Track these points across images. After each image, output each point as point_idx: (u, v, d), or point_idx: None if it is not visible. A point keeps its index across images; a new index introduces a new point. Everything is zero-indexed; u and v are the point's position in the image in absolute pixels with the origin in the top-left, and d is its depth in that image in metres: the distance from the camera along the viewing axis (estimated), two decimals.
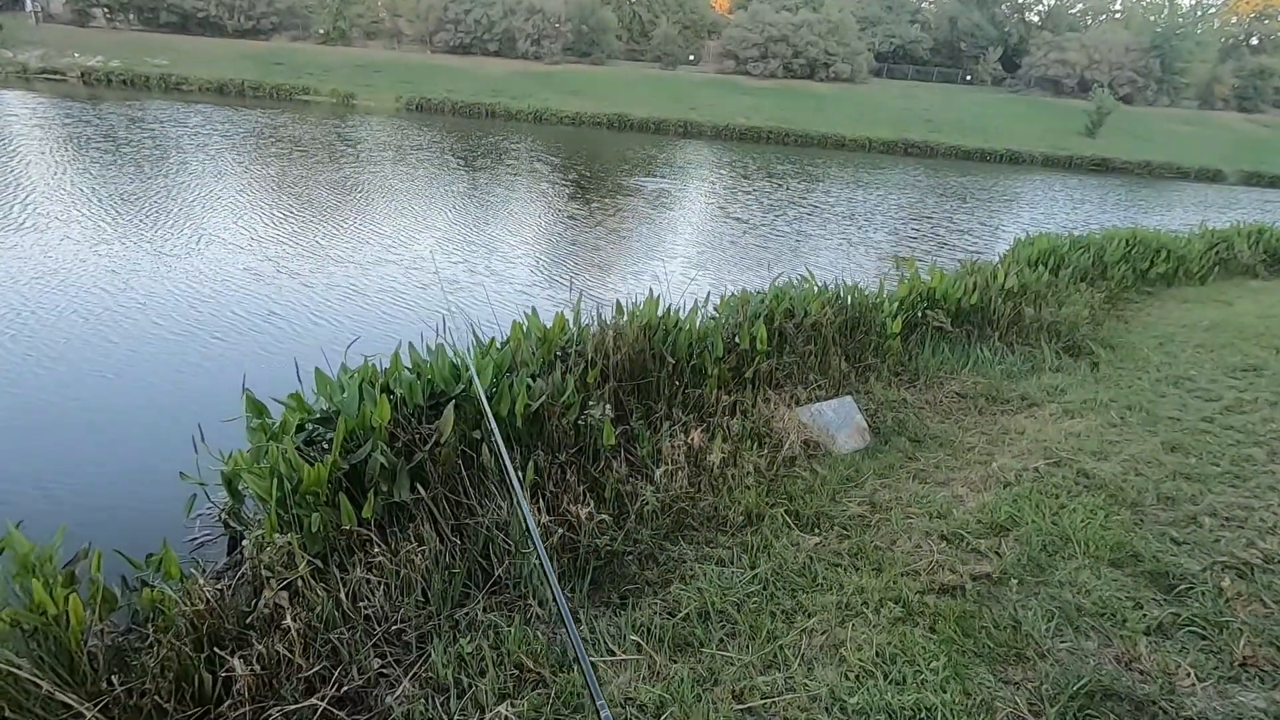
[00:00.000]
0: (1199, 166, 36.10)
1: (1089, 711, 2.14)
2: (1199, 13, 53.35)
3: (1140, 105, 48.50)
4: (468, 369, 3.16)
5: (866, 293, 5.59)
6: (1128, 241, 9.08)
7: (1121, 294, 8.21)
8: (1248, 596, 2.65)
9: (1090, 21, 58.46)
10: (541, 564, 1.92)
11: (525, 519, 2.20)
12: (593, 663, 2.44)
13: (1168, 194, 27.41)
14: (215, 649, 2.25)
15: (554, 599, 1.98)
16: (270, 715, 2.15)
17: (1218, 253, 10.34)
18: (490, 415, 2.78)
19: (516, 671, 2.38)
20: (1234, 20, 58.78)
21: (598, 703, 1.50)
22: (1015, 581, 2.79)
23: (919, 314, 5.86)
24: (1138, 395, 4.93)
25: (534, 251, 10.19)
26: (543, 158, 21.14)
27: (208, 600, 2.31)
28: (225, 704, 2.16)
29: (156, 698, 2.11)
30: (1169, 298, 8.57)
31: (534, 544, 2.03)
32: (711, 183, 19.50)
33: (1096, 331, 6.61)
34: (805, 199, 17.37)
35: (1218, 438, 4.18)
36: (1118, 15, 59.00)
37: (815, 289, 5.39)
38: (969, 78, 53.37)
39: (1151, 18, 53.11)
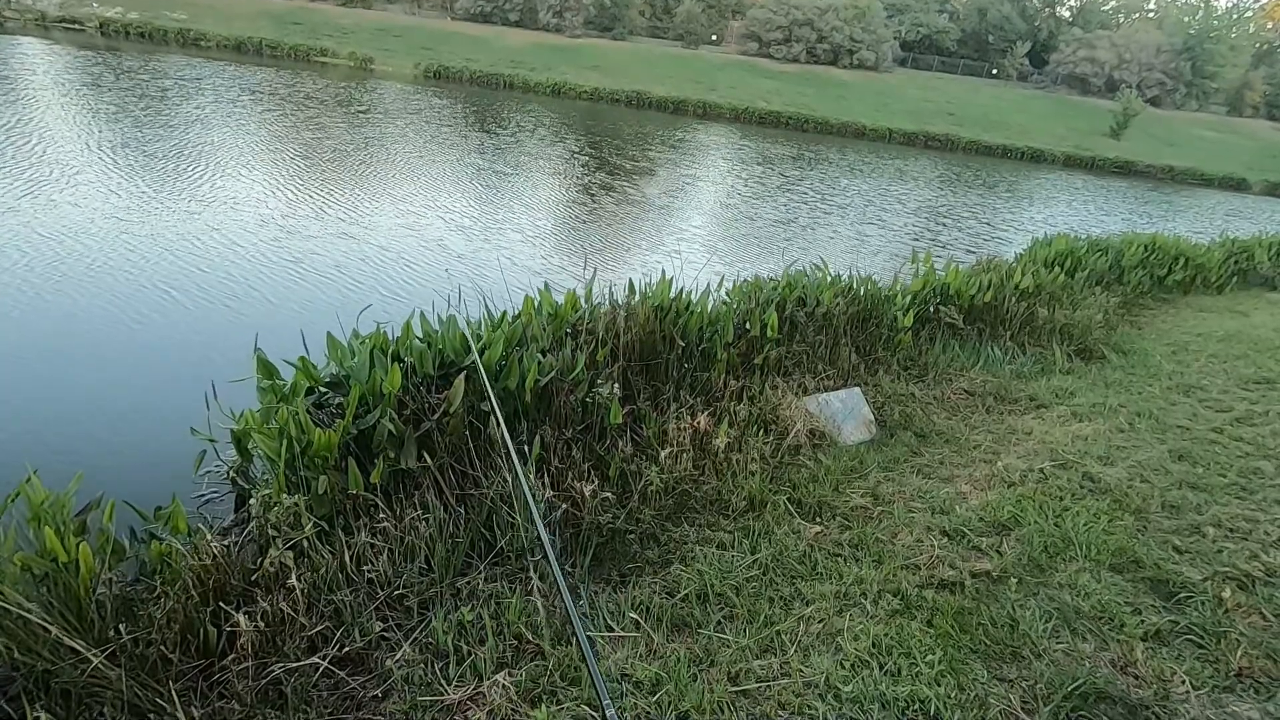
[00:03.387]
0: (1223, 174, 35.59)
1: (1082, 713, 2.16)
2: (1234, 16, 52.17)
3: (1168, 108, 47.72)
4: (480, 339, 3.16)
5: (879, 285, 5.55)
6: (1146, 247, 8.98)
7: (1137, 299, 8.14)
8: (1247, 608, 2.65)
9: (1122, 20, 57.30)
10: (544, 545, 1.92)
11: (527, 495, 2.21)
12: (589, 637, 2.47)
13: (1179, 200, 26.94)
14: (220, 604, 2.28)
15: (555, 576, 2.01)
16: (273, 671, 2.18)
17: (1237, 263, 10.23)
18: (490, 391, 2.78)
19: (515, 642, 2.40)
20: (1270, 25, 57.53)
21: (605, 709, 1.49)
22: (1015, 581, 2.79)
23: (931, 309, 5.82)
24: (1148, 402, 4.91)
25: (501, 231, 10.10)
26: (540, 134, 20.84)
27: (214, 556, 2.34)
28: (229, 658, 2.19)
29: (162, 648, 2.14)
30: (1185, 306, 8.49)
31: (536, 523, 2.04)
32: (726, 174, 19.16)
33: (1109, 336, 6.56)
34: (799, 185, 17.10)
35: (1226, 449, 4.16)
36: (1151, 15, 57.81)
37: (828, 278, 5.35)
38: (995, 71, 52.50)
39: (1186, 19, 52.01)
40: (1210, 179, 35.21)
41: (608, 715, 1.48)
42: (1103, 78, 48.58)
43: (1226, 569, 2.90)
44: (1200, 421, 4.60)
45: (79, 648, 2.02)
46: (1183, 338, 6.82)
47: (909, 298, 5.54)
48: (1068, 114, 43.40)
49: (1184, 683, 2.27)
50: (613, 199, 12.87)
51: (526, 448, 3.10)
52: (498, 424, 2.66)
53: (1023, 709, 2.17)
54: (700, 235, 11.04)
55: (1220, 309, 8.42)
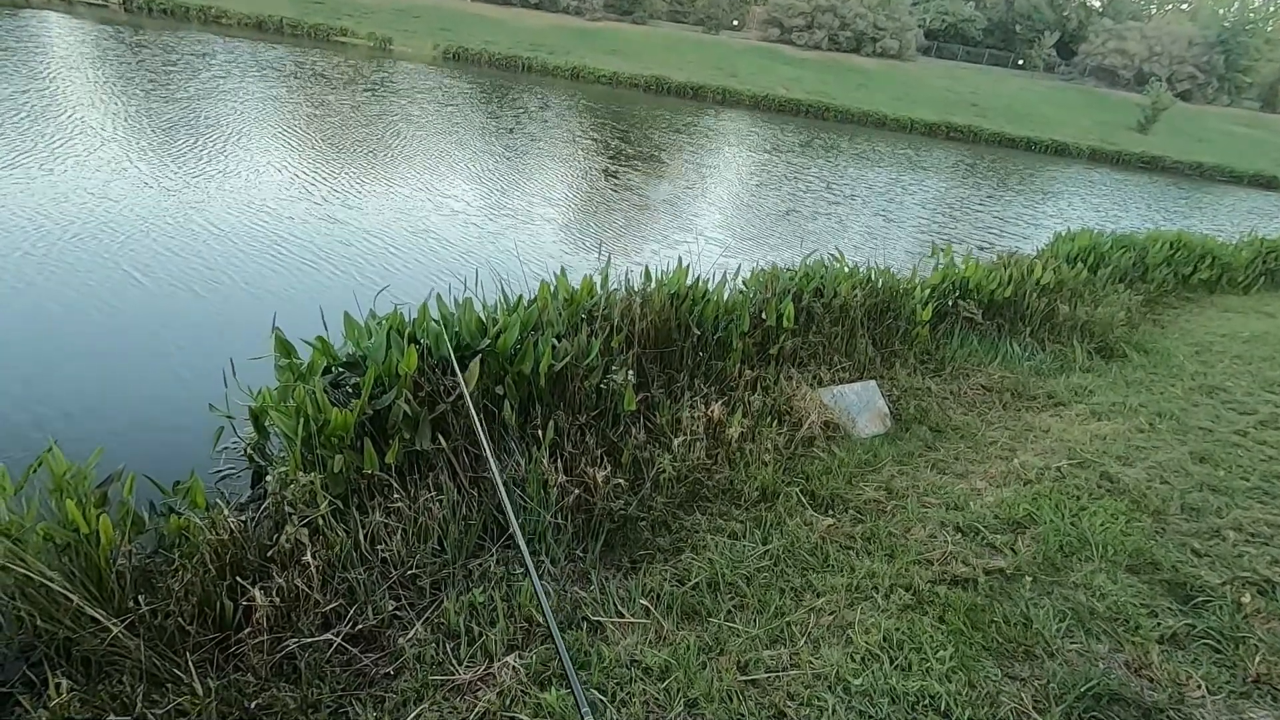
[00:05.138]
0: (1253, 171, 34.75)
1: (1095, 714, 2.14)
2: (1271, 8, 50.76)
3: (1198, 103, 46.64)
4: (496, 323, 3.15)
5: (898, 277, 5.49)
6: (1172, 244, 8.81)
7: (1160, 297, 8.00)
8: (1267, 614, 2.61)
9: (1154, 11, 55.95)
10: (521, 551, 1.92)
11: (496, 481, 2.22)
12: (599, 622, 2.48)
13: (1199, 197, 26.20)
14: (237, 578, 2.30)
15: (526, 564, 2.01)
16: (287, 646, 2.21)
17: (1265, 263, 10.01)
18: (461, 379, 2.77)
19: (526, 625, 2.42)
20: None
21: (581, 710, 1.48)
22: (1029, 579, 2.77)
23: (950, 303, 5.75)
24: (1169, 402, 4.83)
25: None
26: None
27: (231, 531, 2.36)
28: (245, 631, 2.22)
29: (180, 620, 2.18)
30: (1209, 305, 8.33)
31: (506, 511, 2.03)
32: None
33: (1131, 334, 6.46)
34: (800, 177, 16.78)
35: (1249, 452, 4.09)
36: (1184, 6, 56.41)
37: (846, 269, 5.30)
38: (1021, 62, 51.49)
39: (1220, 11, 50.64)
40: (1240, 176, 34.42)
41: (583, 716, 1.48)
42: (1132, 70, 47.53)
43: (1247, 574, 2.86)
44: (1223, 423, 4.53)
45: (99, 617, 2.06)
46: (1207, 338, 6.70)
47: (928, 291, 5.47)
48: (1094, 107, 42.54)
49: (1200, 687, 2.25)
50: (612, 185, 12.74)
51: (540, 432, 3.11)
52: (469, 414, 2.66)
53: (1034, 708, 2.16)
54: (694, 226, 10.73)
55: (1246, 309, 8.26)
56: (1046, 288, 6.31)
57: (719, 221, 11.28)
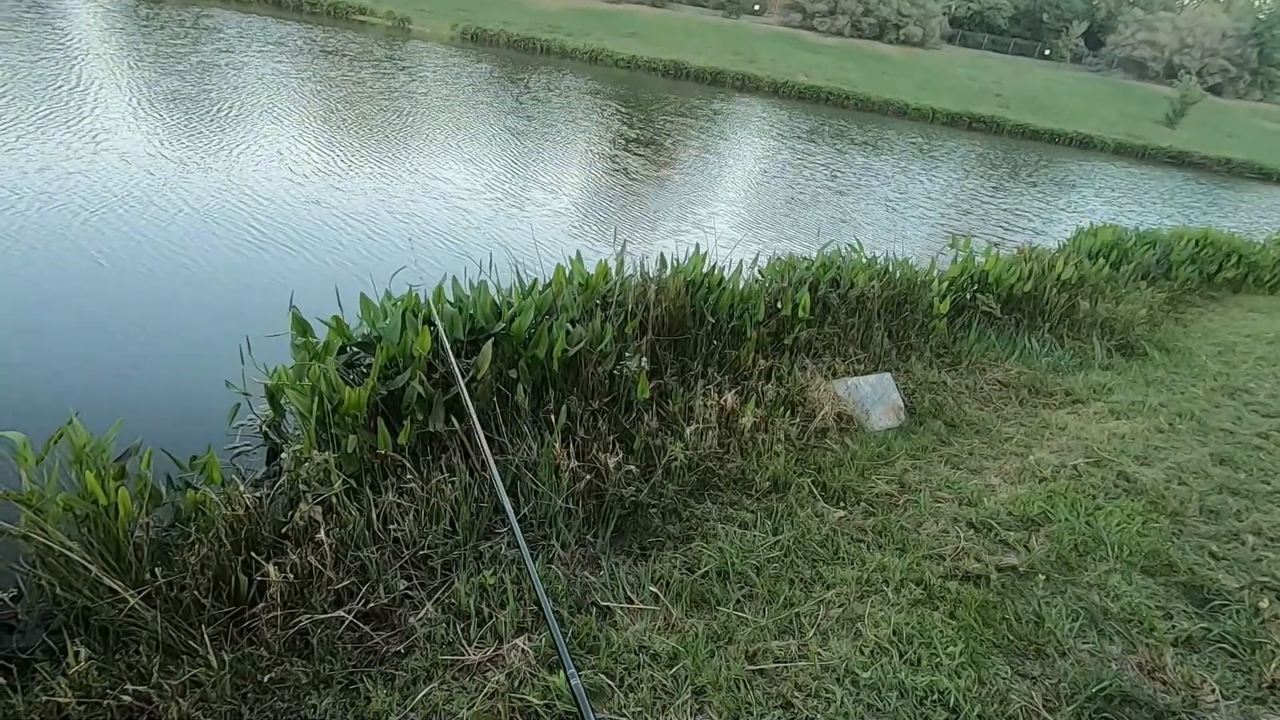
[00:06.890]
0: None
1: (1106, 715, 2.12)
2: None
3: (1229, 97, 45.56)
4: (510, 306, 3.14)
5: (916, 269, 5.43)
6: (1197, 242, 8.66)
7: (1184, 296, 7.86)
8: None
9: (1187, 1, 54.52)
10: (509, 519, 1.93)
11: (497, 486, 2.23)
12: (609, 608, 2.49)
13: (1219, 194, 25.54)
14: (251, 553, 2.33)
15: (521, 549, 2.00)
16: (300, 622, 2.23)
17: None
18: (460, 377, 2.77)
19: (535, 608, 2.42)
20: None
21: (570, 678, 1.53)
22: (1042, 577, 2.75)
23: (968, 296, 5.68)
24: (1190, 403, 4.76)
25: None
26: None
27: (247, 507, 2.38)
28: (259, 606, 2.24)
29: (195, 593, 2.20)
30: (1234, 305, 8.19)
31: (501, 497, 2.04)
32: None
33: (1153, 332, 6.36)
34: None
35: (1272, 455, 4.03)
36: None
37: (863, 260, 5.24)
38: (1047, 52, 50.42)
39: (1256, 2, 49.33)
40: (1270, 173, 33.64)
41: (573, 685, 1.54)
42: (1162, 62, 46.47)
43: (1265, 578, 2.82)
44: (1245, 425, 4.46)
45: (117, 587, 2.09)
46: (1230, 338, 6.59)
47: (946, 284, 5.41)
48: (1121, 99, 41.68)
49: (1214, 691, 2.22)
50: (608, 169, 12.61)
51: (553, 417, 3.11)
52: (468, 411, 2.65)
53: (1045, 707, 2.14)
54: (693, 215, 10.49)
55: (1272, 309, 8.10)
56: (1067, 283, 6.22)
57: (718, 210, 11.13)
